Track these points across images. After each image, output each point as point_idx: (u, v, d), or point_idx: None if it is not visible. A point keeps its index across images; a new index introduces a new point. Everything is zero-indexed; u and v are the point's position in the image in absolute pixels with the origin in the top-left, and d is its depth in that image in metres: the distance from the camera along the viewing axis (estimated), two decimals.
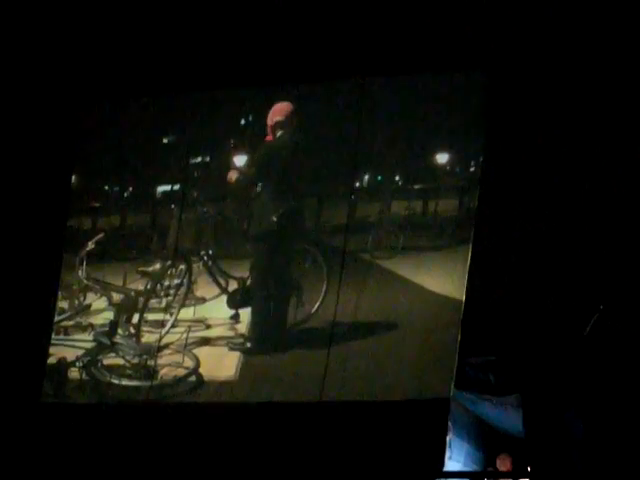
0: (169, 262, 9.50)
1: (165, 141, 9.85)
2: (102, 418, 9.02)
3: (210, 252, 9.46)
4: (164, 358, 9.20)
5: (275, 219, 9.16)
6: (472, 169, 8.75)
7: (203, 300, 9.38)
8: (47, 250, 9.59)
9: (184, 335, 9.23)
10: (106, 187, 9.94)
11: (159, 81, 9.51)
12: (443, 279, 8.58)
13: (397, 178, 9.12)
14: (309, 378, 8.62)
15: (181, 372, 9.11)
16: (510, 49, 8.46)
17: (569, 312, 8.22)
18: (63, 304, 9.64)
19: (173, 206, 9.66)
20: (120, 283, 9.59)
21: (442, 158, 8.93)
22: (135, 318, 9.45)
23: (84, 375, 9.33)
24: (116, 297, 9.58)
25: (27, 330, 9.47)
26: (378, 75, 9.01)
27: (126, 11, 9.21)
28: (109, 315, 9.53)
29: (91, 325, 9.54)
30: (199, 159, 9.73)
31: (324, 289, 8.92)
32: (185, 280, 9.43)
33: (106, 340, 9.41)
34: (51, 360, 9.42)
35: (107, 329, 9.45)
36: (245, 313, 9.20)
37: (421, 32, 8.66)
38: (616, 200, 8.24)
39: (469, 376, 8.69)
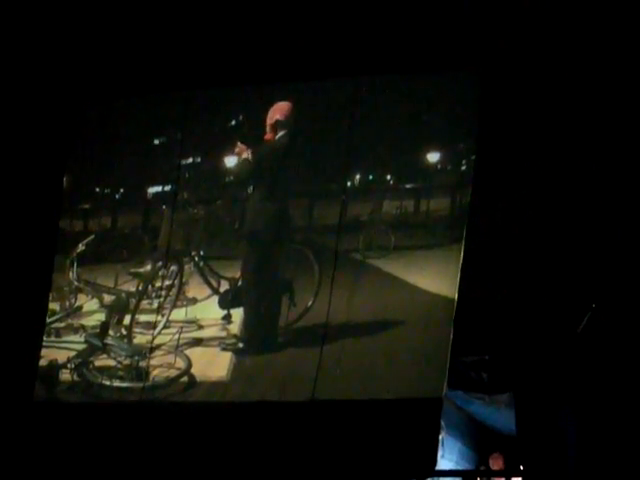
0: (160, 263, 9.47)
1: (156, 142, 9.82)
2: (94, 417, 8.99)
3: (201, 253, 9.44)
4: (156, 359, 9.17)
5: (267, 219, 9.15)
6: (464, 168, 8.73)
7: (195, 301, 9.35)
8: (38, 252, 9.56)
9: (176, 336, 9.20)
10: (97, 188, 9.91)
11: (150, 82, 9.49)
12: (435, 278, 8.56)
13: (389, 177, 9.10)
14: (302, 378, 8.59)
15: (173, 373, 9.08)
16: (502, 47, 8.45)
17: (562, 310, 8.20)
18: (54, 306, 9.59)
19: (164, 207, 9.63)
20: (111, 284, 9.56)
21: (434, 157, 8.92)
22: (126, 319, 9.42)
23: (75, 377, 9.30)
24: (107, 298, 9.54)
25: (18, 332, 9.44)
26: (370, 74, 8.99)
27: (117, 12, 9.19)
28: (100, 316, 9.50)
29: (82, 327, 9.50)
30: (190, 160, 9.71)
31: (316, 289, 8.89)
32: (176, 281, 9.40)
33: (97, 342, 9.38)
34: (42, 362, 9.37)
35: (98, 330, 9.42)
36: (237, 313, 9.18)
37: (412, 31, 8.66)
38: (609, 199, 8.24)
39: (462, 375, 8.69)
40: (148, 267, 9.50)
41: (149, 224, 9.70)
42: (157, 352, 9.19)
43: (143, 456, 8.74)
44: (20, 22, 9.43)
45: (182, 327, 9.23)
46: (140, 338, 9.31)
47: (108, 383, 9.20)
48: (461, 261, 8.40)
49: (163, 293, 9.38)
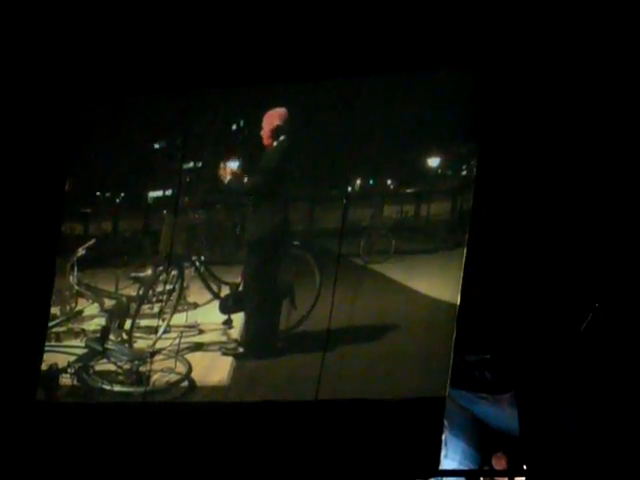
0: (161, 268, 9.47)
1: (157, 146, 9.82)
2: (94, 419, 8.98)
3: (202, 258, 9.42)
4: (156, 364, 9.16)
5: (268, 224, 9.15)
6: (465, 172, 8.72)
7: (195, 305, 9.33)
8: (40, 256, 9.55)
9: (176, 341, 9.19)
10: (98, 193, 9.91)
11: (151, 86, 9.50)
12: (437, 282, 8.55)
13: (389, 182, 9.10)
14: (303, 382, 8.58)
15: (174, 378, 9.07)
16: (503, 49, 8.44)
17: (565, 310, 8.21)
18: (54, 310, 9.58)
19: (165, 212, 9.63)
20: (112, 289, 9.55)
21: (435, 161, 8.91)
22: (127, 324, 9.41)
23: (76, 381, 9.29)
24: (108, 303, 9.53)
25: (20, 336, 9.43)
26: (370, 76, 8.99)
27: (119, 17, 9.19)
28: (101, 321, 9.49)
29: (83, 331, 9.49)
30: (191, 164, 9.71)
31: (317, 293, 8.88)
32: (177, 286, 9.39)
33: (98, 346, 9.37)
34: (43, 366, 9.35)
35: (99, 335, 9.41)
36: (238, 318, 9.16)
37: (412, 33, 8.63)
38: (611, 200, 8.24)
39: (465, 374, 8.70)
40: (149, 271, 9.49)
41: (150, 228, 9.69)
42: (157, 357, 9.18)
43: (144, 457, 8.73)
44: (21, 27, 9.42)
45: (183, 332, 9.22)
46: (141, 343, 9.30)
47: (108, 387, 9.19)
48: (463, 266, 8.39)
49: (164, 298, 9.38)
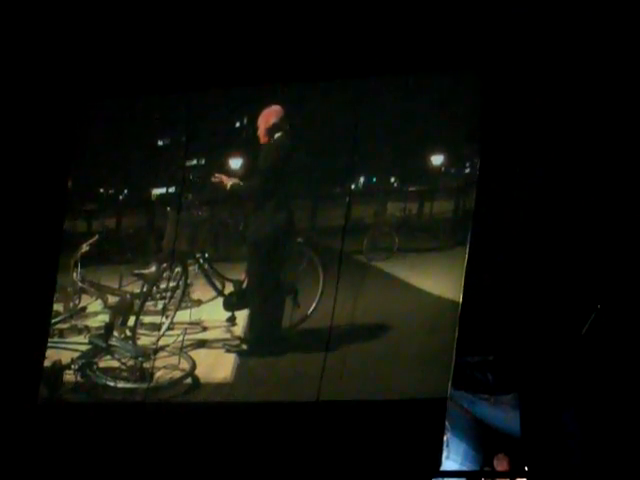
0: (165, 265, 9.49)
1: (161, 143, 9.83)
2: (98, 417, 9.01)
3: (206, 255, 9.44)
4: (160, 360, 9.19)
5: (271, 221, 9.16)
6: (468, 170, 8.74)
7: (199, 302, 9.36)
8: (43, 253, 9.57)
9: (180, 337, 9.21)
10: (101, 189, 9.92)
11: (154, 83, 9.50)
12: (439, 280, 8.58)
13: (393, 180, 9.11)
14: (306, 379, 8.61)
15: (177, 374, 9.09)
16: (507, 48, 8.45)
17: (567, 311, 8.22)
18: (58, 307, 9.61)
19: (169, 209, 9.65)
20: (116, 285, 9.57)
21: (438, 159, 8.92)
22: (131, 321, 9.44)
23: (79, 378, 9.32)
24: (111, 299, 9.56)
25: (23, 333, 9.45)
26: (373, 75, 9.00)
27: (121, 14, 9.19)
28: (104, 318, 9.51)
29: (86, 328, 9.51)
30: (195, 161, 9.72)
31: (320, 291, 8.91)
32: (181, 283, 9.42)
33: (101, 343, 9.39)
34: (46, 363, 9.38)
35: (102, 332, 9.43)
36: (241, 315, 9.19)
37: (416, 31, 8.65)
38: (613, 200, 8.25)
39: (467, 375, 8.71)
40: (152, 268, 9.51)
41: (153, 225, 9.71)
42: (161, 353, 9.21)
43: (147, 454, 8.76)
44: (23, 24, 9.42)
45: (186, 329, 9.24)
46: (144, 339, 9.32)
47: (112, 384, 9.22)
48: (465, 264, 8.41)
49: (167, 295, 9.40)
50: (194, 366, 9.08)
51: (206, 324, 9.26)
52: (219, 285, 9.31)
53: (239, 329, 9.15)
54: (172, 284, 9.41)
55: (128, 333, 9.40)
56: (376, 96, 9.08)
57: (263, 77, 9.21)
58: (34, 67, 9.55)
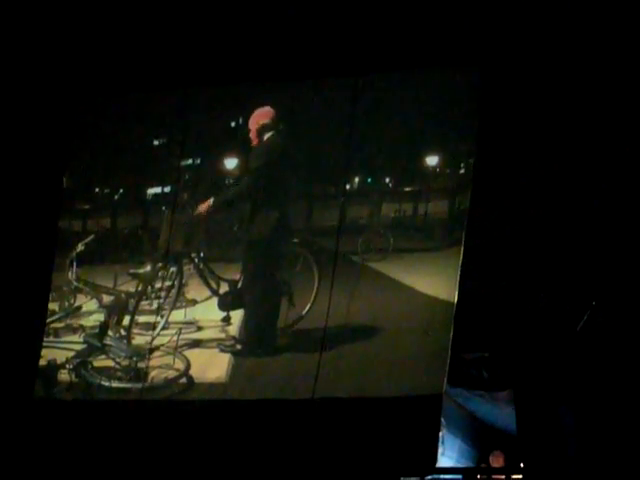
0: (160, 264, 9.49)
1: (156, 143, 9.84)
2: (93, 415, 9.01)
3: (201, 254, 9.44)
4: (155, 360, 9.17)
5: (266, 221, 9.17)
6: (463, 170, 8.76)
7: (194, 302, 9.35)
8: (38, 252, 9.56)
9: (175, 337, 9.21)
10: (97, 189, 9.92)
11: (149, 82, 9.50)
12: (434, 280, 8.58)
13: (387, 180, 9.13)
14: (302, 378, 8.61)
15: (172, 374, 9.08)
16: (503, 47, 8.46)
17: (562, 308, 8.26)
18: (53, 306, 9.59)
19: (164, 208, 9.65)
20: (111, 285, 9.56)
21: (433, 160, 8.94)
22: (126, 320, 9.43)
23: (74, 377, 9.29)
24: (107, 299, 9.54)
25: (18, 332, 9.44)
26: (368, 74, 9.01)
27: (117, 12, 9.18)
28: (99, 317, 9.49)
29: (81, 327, 9.49)
30: (190, 161, 9.73)
31: (315, 291, 8.92)
32: (176, 282, 9.41)
33: (96, 342, 9.37)
34: (41, 362, 9.36)
35: (97, 331, 9.41)
36: (236, 315, 9.19)
37: (411, 30, 8.65)
38: (609, 199, 8.28)
39: (462, 372, 8.73)
40: (148, 268, 9.50)
41: (149, 225, 9.71)
42: (156, 353, 9.19)
43: (142, 453, 8.75)
44: (18, 23, 9.40)
45: (181, 328, 9.23)
46: (139, 339, 9.31)
47: (107, 384, 9.20)
48: (460, 264, 8.42)
49: (162, 294, 9.40)
50: (189, 366, 9.07)
51: (201, 324, 9.25)
52: (214, 285, 9.31)
53: (234, 329, 9.14)
54: (167, 284, 9.41)
55: (123, 332, 9.39)
56: (371, 96, 9.08)
57: (259, 76, 9.21)
58: (29, 67, 9.52)
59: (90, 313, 9.56)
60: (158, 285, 9.44)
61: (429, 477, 8.45)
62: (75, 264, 9.64)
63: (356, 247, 8.96)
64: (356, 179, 9.15)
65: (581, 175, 8.42)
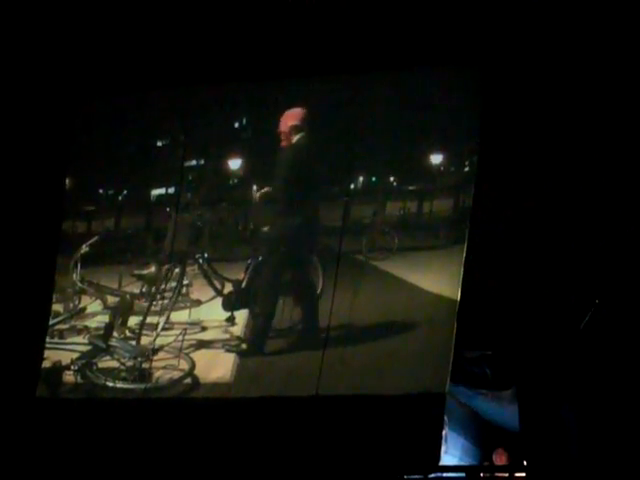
0: (164, 265, 9.49)
1: (159, 144, 9.85)
2: (97, 415, 9.01)
3: (205, 255, 9.44)
4: (160, 361, 9.18)
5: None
6: (467, 169, 8.76)
7: (198, 302, 9.36)
8: (41, 253, 9.57)
9: (179, 337, 9.21)
10: (100, 190, 9.93)
11: (152, 83, 9.52)
12: (438, 279, 8.58)
13: (392, 179, 9.12)
14: (305, 376, 8.60)
15: (176, 374, 9.08)
16: (506, 45, 8.46)
17: (565, 306, 8.23)
18: (58, 307, 9.60)
19: (168, 209, 9.66)
20: (115, 286, 9.57)
21: (437, 158, 8.93)
22: (130, 321, 9.44)
23: (79, 378, 9.30)
24: (111, 300, 9.55)
25: (22, 334, 9.45)
26: (372, 73, 9.01)
27: (120, 13, 9.20)
28: (104, 318, 9.50)
29: (86, 328, 9.49)
30: (194, 162, 9.74)
31: (319, 290, 8.92)
32: (180, 283, 9.42)
33: (101, 343, 9.38)
34: (46, 363, 9.39)
35: (102, 332, 9.42)
36: (241, 315, 9.19)
37: (414, 29, 8.65)
38: (611, 196, 8.26)
39: (465, 370, 8.71)
40: (152, 269, 9.51)
41: (153, 226, 9.72)
42: (160, 353, 9.19)
43: (146, 453, 8.76)
44: (18, 24, 9.43)
45: (186, 329, 9.24)
46: (143, 339, 9.32)
47: (112, 384, 9.20)
48: (463, 262, 8.41)
49: (167, 295, 9.40)
50: (193, 366, 9.07)
51: (205, 324, 9.25)
52: (218, 285, 9.31)
53: (238, 329, 9.14)
54: (171, 284, 9.41)
55: (128, 333, 9.40)
56: (374, 95, 9.09)
57: (262, 76, 9.22)
58: (31, 67, 9.54)
59: (95, 314, 9.57)
60: (162, 286, 9.44)
61: (432, 475, 8.42)
62: (79, 265, 9.66)
63: (360, 246, 8.96)
64: (360, 178, 9.15)
65: (584, 173, 8.40)
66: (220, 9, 9.01)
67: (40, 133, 9.65)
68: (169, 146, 9.78)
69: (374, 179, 9.16)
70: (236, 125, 9.64)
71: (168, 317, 9.29)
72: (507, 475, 9.21)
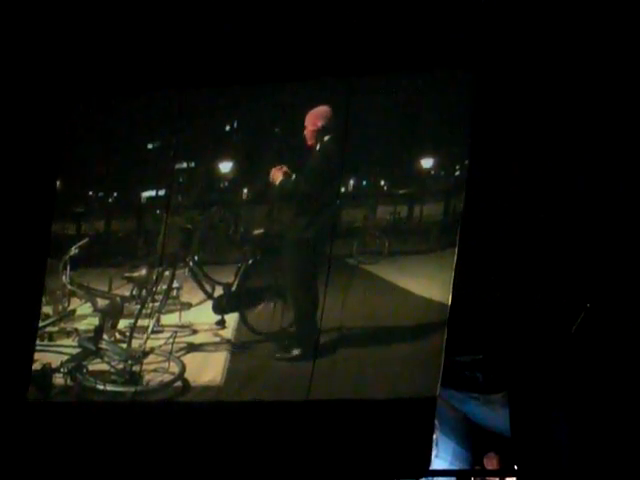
0: (155, 268, 9.48)
1: (150, 146, 9.83)
2: (88, 418, 9.00)
3: (196, 258, 9.44)
4: (150, 364, 9.16)
5: (262, 225, 9.15)
6: (457, 173, 8.77)
7: (189, 305, 9.36)
8: (31, 255, 9.54)
9: (170, 340, 9.20)
10: (90, 192, 9.91)
11: (143, 86, 9.50)
12: (429, 283, 8.59)
13: (382, 183, 9.13)
14: (296, 380, 8.61)
15: (167, 377, 9.07)
16: (497, 50, 8.48)
17: (556, 311, 8.25)
18: (47, 309, 9.58)
19: (158, 211, 9.64)
20: (105, 288, 9.55)
21: (428, 162, 8.95)
22: (120, 324, 9.42)
23: (69, 381, 9.28)
24: (101, 302, 9.53)
25: (11, 336, 9.42)
26: (363, 75, 9.01)
27: (112, 14, 9.19)
28: (94, 321, 9.48)
29: (76, 331, 9.47)
30: (184, 164, 9.72)
31: (312, 294, 8.90)
32: (171, 286, 9.41)
33: (91, 346, 9.36)
34: (36, 366, 9.36)
35: (92, 335, 9.40)
36: (231, 318, 9.19)
37: (406, 34, 8.67)
38: (603, 200, 8.29)
39: (456, 374, 8.73)
40: (142, 271, 9.49)
41: (143, 228, 9.70)
42: (151, 356, 9.18)
43: (137, 456, 8.75)
44: (13, 25, 9.41)
45: (176, 332, 9.23)
46: (134, 342, 9.30)
47: (102, 387, 9.18)
48: (454, 266, 8.42)
49: (157, 298, 9.38)
50: (184, 369, 9.06)
51: (196, 327, 9.25)
52: (209, 288, 9.31)
53: (228, 332, 9.14)
54: (162, 287, 9.40)
55: (118, 336, 9.39)
56: (365, 98, 9.09)
57: (253, 78, 9.21)
58: (21, 68, 9.52)
59: (84, 316, 9.55)
60: (153, 288, 9.41)
61: (423, 479, 8.45)
62: (69, 267, 9.62)
63: (351, 250, 8.96)
64: (351, 182, 9.14)
65: (575, 176, 8.42)
66: (212, 13, 9.01)
67: (31, 135, 9.62)
68: (160, 148, 9.75)
69: (365, 183, 9.16)
70: (227, 128, 9.64)
71: (158, 320, 9.28)
72: (498, 479, 9.26)
